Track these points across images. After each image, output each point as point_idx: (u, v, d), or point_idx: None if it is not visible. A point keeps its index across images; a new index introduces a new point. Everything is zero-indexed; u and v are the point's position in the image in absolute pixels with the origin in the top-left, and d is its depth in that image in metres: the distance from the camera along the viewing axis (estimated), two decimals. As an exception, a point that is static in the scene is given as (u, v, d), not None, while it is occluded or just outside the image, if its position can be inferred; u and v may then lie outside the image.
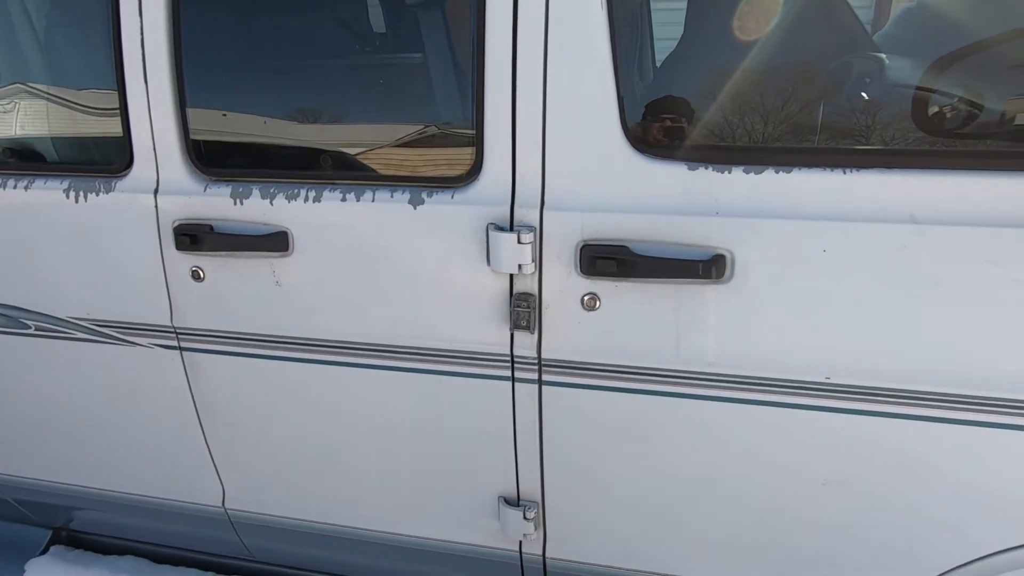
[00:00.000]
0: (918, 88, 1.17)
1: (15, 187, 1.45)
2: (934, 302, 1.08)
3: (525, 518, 1.41)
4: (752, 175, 1.12)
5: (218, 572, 1.88)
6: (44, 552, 1.95)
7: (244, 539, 1.75)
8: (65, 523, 1.97)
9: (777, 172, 1.11)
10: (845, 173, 1.08)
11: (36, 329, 1.56)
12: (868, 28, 1.67)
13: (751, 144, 1.19)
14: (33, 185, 1.44)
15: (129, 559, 1.92)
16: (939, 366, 1.10)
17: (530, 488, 1.41)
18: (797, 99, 1.21)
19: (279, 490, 1.61)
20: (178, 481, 1.68)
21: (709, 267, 1.12)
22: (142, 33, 1.31)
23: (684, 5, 1.48)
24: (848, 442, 1.19)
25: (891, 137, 1.15)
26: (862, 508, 1.23)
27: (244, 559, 1.84)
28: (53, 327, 1.55)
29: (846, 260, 1.09)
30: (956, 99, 1.19)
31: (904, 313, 1.09)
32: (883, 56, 1.36)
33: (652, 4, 2.10)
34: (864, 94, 1.27)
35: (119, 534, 1.93)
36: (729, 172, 1.13)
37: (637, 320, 1.20)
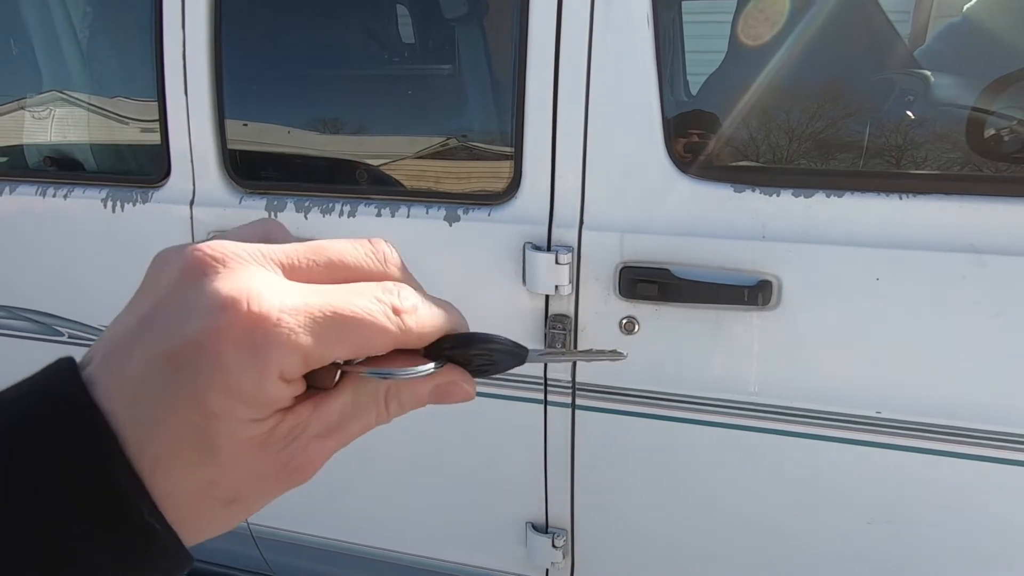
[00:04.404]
0: (973, 109, 1.13)
1: (55, 195, 1.46)
2: (995, 335, 1.02)
3: (553, 546, 1.37)
4: (802, 198, 1.08)
5: (238, 586, 1.86)
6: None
7: (265, 554, 1.73)
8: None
9: (828, 196, 1.07)
10: (901, 199, 1.04)
11: (69, 337, 1.57)
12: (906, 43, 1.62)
13: (801, 167, 1.15)
14: (72, 194, 1.45)
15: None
16: (998, 403, 1.05)
17: (559, 515, 1.37)
18: (847, 120, 1.17)
19: (301, 507, 1.58)
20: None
21: (755, 293, 1.08)
22: (184, 45, 1.32)
23: (711, 17, 1.45)
24: (898, 480, 1.13)
25: (946, 161, 1.11)
26: (909, 550, 1.17)
27: (265, 574, 1.82)
28: (86, 335, 1.55)
29: (901, 289, 1.04)
30: (1015, 121, 1.14)
31: (963, 346, 1.04)
32: (928, 74, 1.32)
33: (684, 17, 2.08)
34: (910, 113, 1.22)
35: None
36: (777, 195, 1.09)
37: (677, 346, 1.16)
